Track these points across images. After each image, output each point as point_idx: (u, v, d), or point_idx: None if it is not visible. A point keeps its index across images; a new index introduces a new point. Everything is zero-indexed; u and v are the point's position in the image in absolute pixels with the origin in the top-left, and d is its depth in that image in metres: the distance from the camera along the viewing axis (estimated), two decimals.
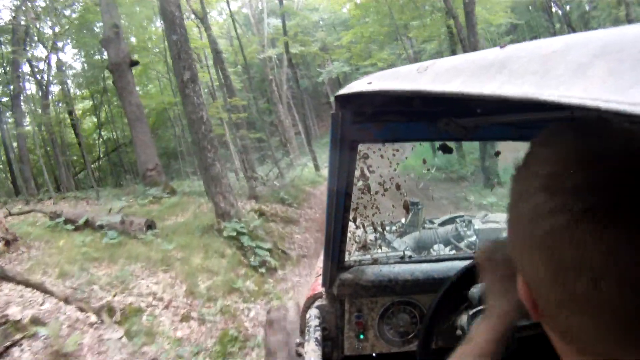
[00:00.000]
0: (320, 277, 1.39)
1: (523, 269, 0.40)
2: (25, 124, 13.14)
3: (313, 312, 1.43)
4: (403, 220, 2.56)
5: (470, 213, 2.75)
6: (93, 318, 3.45)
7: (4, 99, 13.30)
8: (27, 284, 3.78)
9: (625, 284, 0.31)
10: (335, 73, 18.94)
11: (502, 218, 2.49)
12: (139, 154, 10.21)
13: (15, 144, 12.36)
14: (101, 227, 5.55)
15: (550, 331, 0.41)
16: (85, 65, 16.30)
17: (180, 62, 5.82)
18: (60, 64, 13.95)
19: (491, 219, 2.49)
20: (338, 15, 21.23)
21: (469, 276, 1.06)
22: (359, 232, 1.33)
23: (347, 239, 1.22)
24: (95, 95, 16.44)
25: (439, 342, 1.25)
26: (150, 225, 5.74)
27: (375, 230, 1.34)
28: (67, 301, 3.57)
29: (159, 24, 13.04)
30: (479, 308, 1.10)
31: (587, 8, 14.00)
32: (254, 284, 5.00)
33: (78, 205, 9.11)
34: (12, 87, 12.30)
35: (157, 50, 13.70)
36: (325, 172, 14.32)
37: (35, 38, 12.79)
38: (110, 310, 3.59)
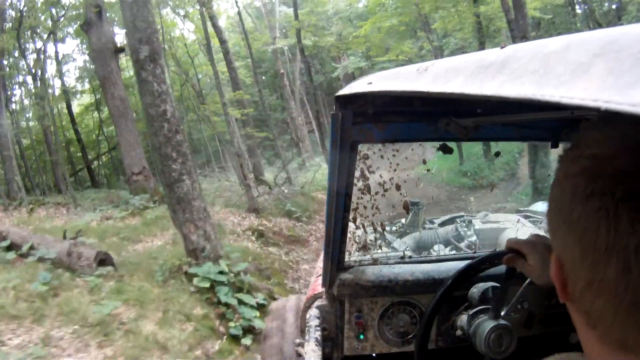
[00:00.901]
0: (320, 278, 1.39)
1: (557, 247, 0.41)
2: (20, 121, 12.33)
3: (313, 312, 1.43)
4: (403, 221, 2.56)
5: (470, 213, 2.75)
6: None
7: None
8: None
9: None
10: (351, 68, 17.51)
11: (503, 218, 2.49)
12: (123, 156, 8.87)
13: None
14: (42, 260, 4.17)
15: (576, 313, 0.41)
16: (87, 56, 15.05)
17: (136, 32, 4.05)
18: (57, 56, 13.15)
19: (491, 219, 2.49)
20: (354, 8, 19.89)
21: (468, 277, 1.06)
22: (359, 232, 1.33)
23: (347, 239, 1.22)
24: (98, 89, 15.36)
25: (439, 342, 1.25)
26: (103, 260, 4.26)
27: (375, 230, 1.34)
28: None
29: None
30: (479, 308, 1.10)
31: (613, 6, 13.49)
32: None
33: (57, 212, 7.90)
34: None
35: None
36: None
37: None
38: None
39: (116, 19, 11.78)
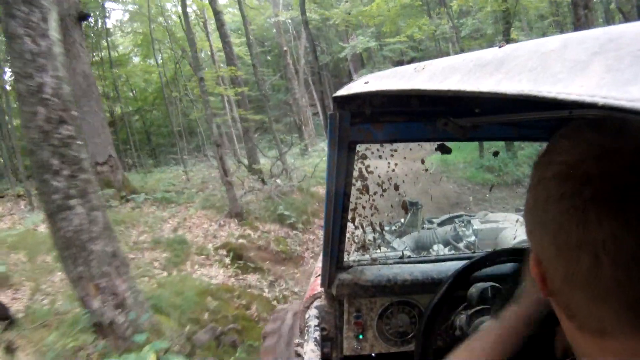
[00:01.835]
0: (320, 278, 1.39)
1: (535, 246, 0.44)
2: None
3: (312, 312, 1.43)
4: (402, 221, 2.56)
5: (469, 213, 2.75)
6: None
7: None
8: None
9: (621, 264, 0.35)
10: (360, 48, 16.44)
11: (502, 218, 2.49)
12: (87, 142, 6.95)
13: None
14: None
15: (557, 307, 0.44)
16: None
17: None
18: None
19: (491, 219, 2.49)
20: None
21: (467, 276, 1.05)
22: (358, 232, 1.33)
23: (346, 239, 1.22)
24: None
25: (438, 342, 1.25)
26: None
27: (374, 230, 1.34)
28: None
29: None
30: (478, 308, 1.10)
31: None
32: None
33: (15, 208, 6.48)
34: None
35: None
36: None
37: None
38: None
39: None
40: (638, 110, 0.19)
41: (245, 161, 9.97)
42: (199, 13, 12.95)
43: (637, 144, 0.37)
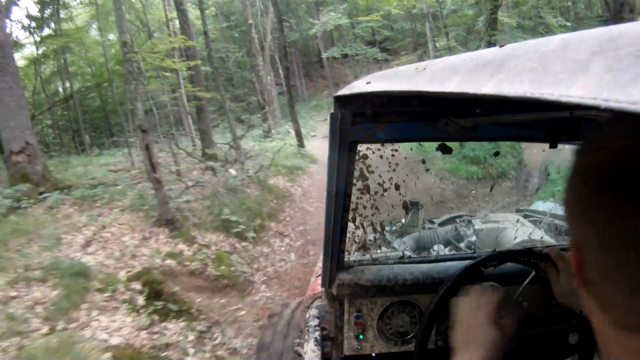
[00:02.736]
0: (320, 277, 1.39)
1: (575, 235, 0.43)
2: None
3: (312, 312, 1.43)
4: (403, 221, 2.56)
5: (470, 213, 2.74)
6: None
7: None
8: None
9: None
10: (331, 25, 15.74)
11: (502, 218, 2.49)
12: (1, 126, 6.07)
13: None
14: None
15: (590, 300, 0.43)
16: None
17: None
18: None
19: (491, 219, 2.49)
20: None
21: (468, 276, 1.05)
22: (359, 232, 1.33)
23: (347, 239, 1.22)
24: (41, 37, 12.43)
25: (438, 342, 1.25)
26: None
27: (374, 230, 1.34)
28: None
29: None
30: None
31: None
32: None
33: None
34: None
35: None
36: (312, 146, 11.09)
37: None
38: None
39: None
40: (639, 113, 0.19)
41: (191, 147, 8.35)
42: None
43: None
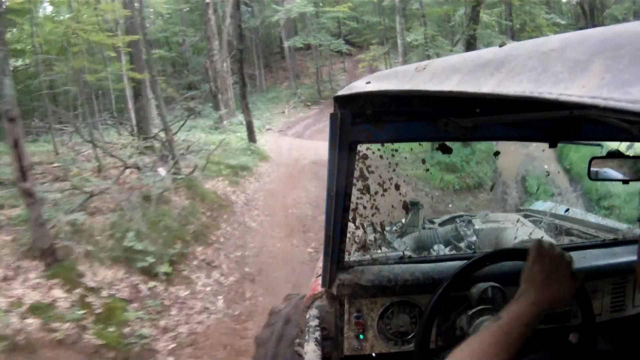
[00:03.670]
0: (320, 278, 1.39)
1: None
2: None
3: (313, 312, 1.43)
4: (403, 221, 2.55)
5: (470, 213, 2.74)
6: None
7: None
8: None
9: None
10: (295, 12, 14.94)
11: (503, 218, 2.49)
12: None
13: None
14: None
15: None
16: None
17: None
18: None
19: (491, 219, 2.48)
20: None
21: (467, 276, 1.05)
22: (359, 232, 1.33)
23: (347, 239, 1.22)
24: None
25: (439, 342, 1.25)
26: None
27: (375, 230, 1.34)
28: None
29: None
30: (479, 308, 1.10)
31: None
32: None
33: None
34: None
35: None
36: (266, 141, 10.41)
37: None
38: None
39: None
40: (639, 112, 0.19)
41: (130, 137, 6.92)
42: None
43: None
